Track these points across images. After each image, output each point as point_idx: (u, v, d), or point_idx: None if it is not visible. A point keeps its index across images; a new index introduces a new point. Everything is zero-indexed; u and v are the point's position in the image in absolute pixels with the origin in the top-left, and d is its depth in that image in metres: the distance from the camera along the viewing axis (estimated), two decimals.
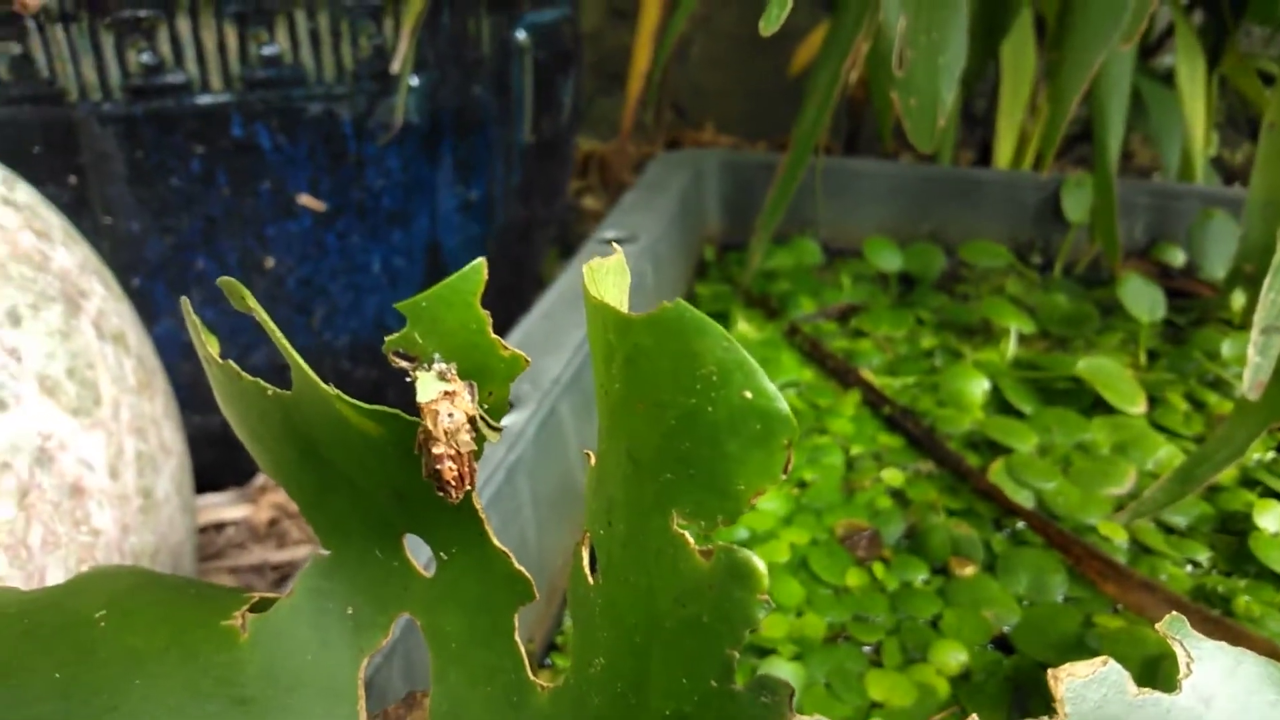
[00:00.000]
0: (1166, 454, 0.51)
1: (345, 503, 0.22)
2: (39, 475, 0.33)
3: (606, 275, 0.19)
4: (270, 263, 0.57)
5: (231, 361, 0.21)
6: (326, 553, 0.23)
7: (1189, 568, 0.45)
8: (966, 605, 0.42)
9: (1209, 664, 0.18)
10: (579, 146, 1.16)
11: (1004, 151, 0.80)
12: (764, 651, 0.41)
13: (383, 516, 0.22)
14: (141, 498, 0.38)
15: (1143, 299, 0.63)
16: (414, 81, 0.57)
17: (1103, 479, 0.50)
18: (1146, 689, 0.18)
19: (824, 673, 0.39)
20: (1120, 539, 0.46)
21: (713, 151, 0.83)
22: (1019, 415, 0.56)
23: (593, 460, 0.20)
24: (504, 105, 0.65)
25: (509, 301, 0.72)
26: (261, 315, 0.20)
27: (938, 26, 0.49)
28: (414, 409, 0.20)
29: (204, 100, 0.51)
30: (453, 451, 0.19)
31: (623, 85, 0.92)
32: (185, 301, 0.22)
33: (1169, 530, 0.47)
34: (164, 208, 0.53)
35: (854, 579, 0.44)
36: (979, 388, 0.58)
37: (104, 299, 0.40)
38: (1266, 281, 0.35)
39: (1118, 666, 0.18)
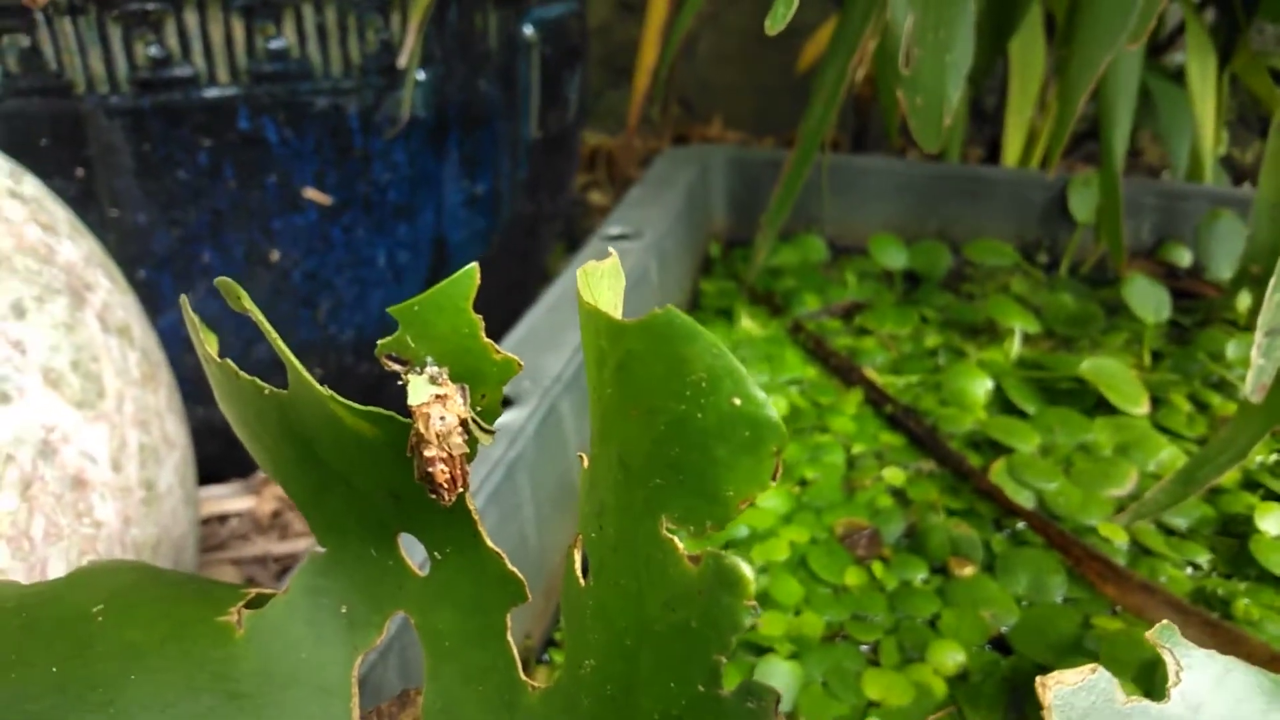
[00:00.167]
0: (1169, 455, 0.51)
1: (341, 502, 0.22)
2: (42, 467, 0.33)
3: (601, 279, 0.19)
4: (276, 256, 0.57)
5: (229, 360, 0.21)
6: (322, 550, 0.23)
7: (1189, 570, 0.45)
8: (965, 605, 0.42)
9: (1198, 672, 0.18)
10: (585, 141, 1.16)
11: (1013, 148, 0.80)
12: (761, 650, 0.41)
13: (378, 516, 0.22)
14: (144, 490, 0.38)
15: (1148, 299, 0.62)
16: (420, 76, 0.57)
17: (1104, 480, 0.50)
18: (1135, 697, 0.18)
19: (821, 671, 0.40)
20: (1120, 540, 0.46)
21: (719, 147, 0.83)
22: (1022, 415, 0.56)
23: (586, 463, 0.20)
24: (510, 100, 0.65)
25: (514, 296, 0.73)
26: (257, 315, 0.20)
27: (945, 24, 0.49)
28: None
29: (211, 93, 0.52)
30: (445, 454, 0.19)
31: (630, 80, 0.92)
32: (184, 300, 0.22)
33: (1169, 532, 0.47)
34: (170, 200, 0.53)
35: (853, 578, 0.44)
36: (982, 387, 0.57)
37: (109, 292, 0.40)
38: (1272, 283, 0.35)
39: (1107, 674, 0.18)
